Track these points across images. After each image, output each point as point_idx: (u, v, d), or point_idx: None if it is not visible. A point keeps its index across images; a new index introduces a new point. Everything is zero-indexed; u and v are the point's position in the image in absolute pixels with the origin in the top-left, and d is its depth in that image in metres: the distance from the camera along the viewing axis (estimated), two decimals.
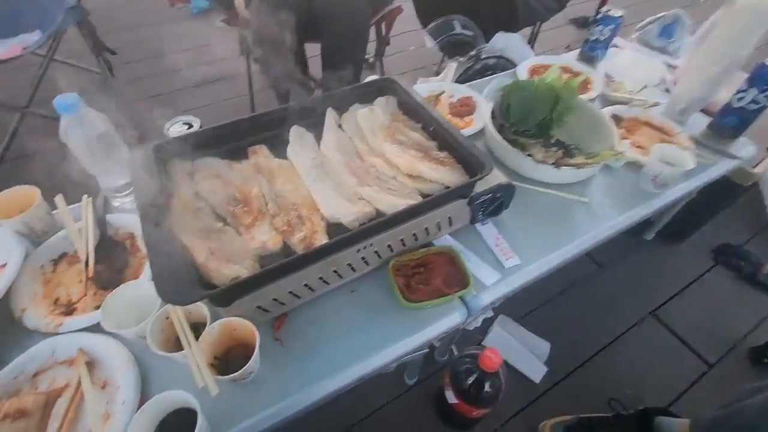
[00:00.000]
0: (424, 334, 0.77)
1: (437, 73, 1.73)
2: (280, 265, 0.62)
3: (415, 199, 0.76)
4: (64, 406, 0.65)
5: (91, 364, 0.69)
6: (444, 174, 0.78)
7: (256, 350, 0.62)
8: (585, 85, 1.31)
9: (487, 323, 1.36)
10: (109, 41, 2.23)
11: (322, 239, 0.69)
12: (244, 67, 1.89)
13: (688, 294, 1.48)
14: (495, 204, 0.87)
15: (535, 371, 1.23)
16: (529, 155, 0.98)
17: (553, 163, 0.95)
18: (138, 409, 0.59)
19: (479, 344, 1.30)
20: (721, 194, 1.37)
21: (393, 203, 0.74)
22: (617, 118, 1.18)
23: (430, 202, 0.73)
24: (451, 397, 1.03)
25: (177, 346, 0.65)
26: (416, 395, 1.21)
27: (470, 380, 0.95)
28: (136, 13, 3.02)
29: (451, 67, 1.28)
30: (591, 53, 1.42)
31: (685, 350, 1.34)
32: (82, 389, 0.65)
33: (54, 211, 0.88)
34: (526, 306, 1.41)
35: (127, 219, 0.88)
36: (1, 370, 0.66)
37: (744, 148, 1.15)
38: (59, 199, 0.87)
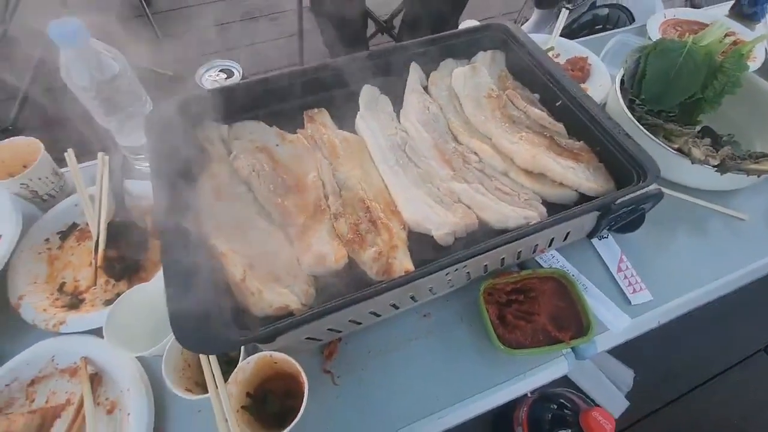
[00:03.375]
0: (517, 386, 0.58)
1: (516, 22, 1.39)
2: (347, 301, 0.43)
3: (537, 210, 0.53)
4: (62, 430, 0.51)
5: (96, 379, 0.55)
6: (580, 176, 0.54)
7: (301, 410, 0.45)
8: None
9: None
10: None
11: (403, 260, 0.48)
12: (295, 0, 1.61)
13: None
14: (633, 217, 0.63)
15: (614, 404, 1.04)
16: (678, 150, 0.71)
17: (717, 166, 0.67)
18: None
19: None
20: None
21: (504, 215, 0.51)
22: None
23: (561, 221, 0.50)
24: None
25: (203, 377, 0.49)
26: None
27: None
28: None
29: (563, 16, 0.98)
30: (752, 8, 1.06)
31: None
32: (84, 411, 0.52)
33: (63, 170, 0.72)
34: None
35: (150, 187, 0.70)
36: None
37: None
38: (69, 155, 0.70)
